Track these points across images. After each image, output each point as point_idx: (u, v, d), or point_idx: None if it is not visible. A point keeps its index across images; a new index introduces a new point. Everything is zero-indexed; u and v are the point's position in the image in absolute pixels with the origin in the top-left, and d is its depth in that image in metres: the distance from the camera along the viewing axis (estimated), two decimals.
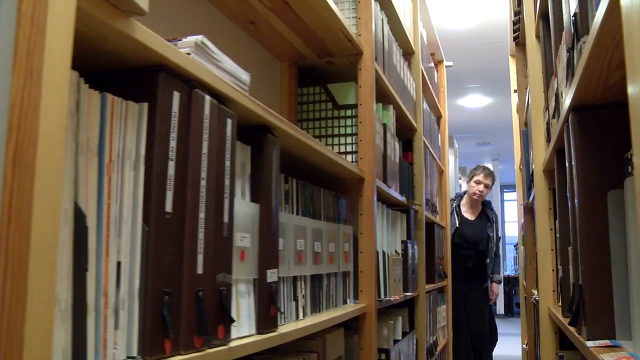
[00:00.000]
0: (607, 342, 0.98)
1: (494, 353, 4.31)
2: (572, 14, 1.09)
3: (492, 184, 4.06)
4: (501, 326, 8.55)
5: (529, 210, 2.57)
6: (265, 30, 1.58)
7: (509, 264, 12.04)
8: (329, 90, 1.76)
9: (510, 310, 10.26)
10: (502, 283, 10.61)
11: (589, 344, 0.98)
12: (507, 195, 12.57)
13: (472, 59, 5.85)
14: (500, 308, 10.06)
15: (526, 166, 2.50)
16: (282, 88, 1.79)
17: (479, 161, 11.27)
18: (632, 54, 0.59)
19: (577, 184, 1.09)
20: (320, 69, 1.84)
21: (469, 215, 4.09)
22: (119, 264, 0.71)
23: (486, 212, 4.10)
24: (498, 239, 4.17)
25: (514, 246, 10.80)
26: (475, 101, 7.45)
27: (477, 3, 4.44)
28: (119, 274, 0.71)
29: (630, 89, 0.60)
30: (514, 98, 3.60)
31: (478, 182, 4.00)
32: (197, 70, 0.83)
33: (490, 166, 11.55)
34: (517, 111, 3.20)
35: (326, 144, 1.73)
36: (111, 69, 0.77)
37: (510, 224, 12.34)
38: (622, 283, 1.00)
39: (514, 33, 2.65)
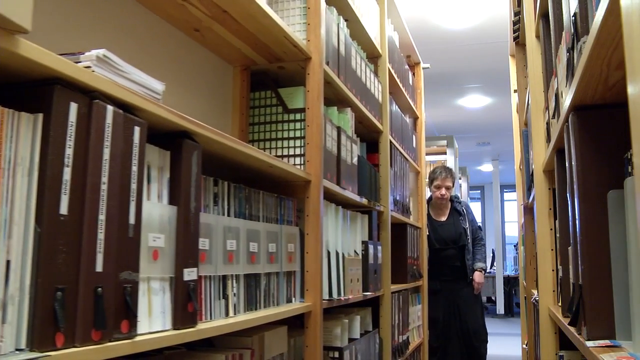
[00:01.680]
0: (607, 342, 0.98)
1: (492, 353, 4.20)
2: (572, 14, 1.09)
3: (453, 182, 4.04)
4: (501, 326, 8.56)
5: (529, 210, 2.59)
6: (211, 38, 1.63)
7: (509, 264, 12.02)
8: (279, 95, 1.81)
9: (510, 310, 10.25)
10: (503, 282, 10.61)
11: (589, 344, 0.99)
12: (507, 195, 12.57)
13: (472, 59, 5.86)
14: (500, 308, 10.04)
15: (526, 166, 2.52)
16: (234, 93, 1.85)
17: (479, 161, 11.26)
18: (632, 54, 0.59)
19: (577, 184, 1.10)
20: (272, 73, 1.89)
21: (439, 217, 4.08)
22: (8, 262, 0.76)
23: (455, 208, 4.08)
24: (476, 228, 4.10)
25: (514, 246, 10.79)
26: (475, 101, 7.46)
27: (476, 3, 4.45)
28: (7, 271, 0.76)
29: (630, 89, 0.60)
30: (514, 98, 3.60)
31: (438, 187, 3.99)
32: (97, 82, 0.88)
33: (490, 166, 11.56)
34: (517, 111, 3.22)
35: (276, 147, 1.79)
36: (9, 82, 0.83)
37: (510, 224, 12.34)
38: (622, 283, 1.00)
39: (514, 33, 2.66)
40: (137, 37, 1.44)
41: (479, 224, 4.21)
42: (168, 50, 1.56)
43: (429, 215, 4.04)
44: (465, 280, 3.98)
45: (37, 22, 1.11)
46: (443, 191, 3.97)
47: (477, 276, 3.95)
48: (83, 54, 0.91)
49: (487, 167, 11.52)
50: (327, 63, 1.89)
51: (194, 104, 1.68)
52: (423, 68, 3.88)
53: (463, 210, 4.08)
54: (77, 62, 0.89)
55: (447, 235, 3.99)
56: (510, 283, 10.31)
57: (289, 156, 1.77)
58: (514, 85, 3.46)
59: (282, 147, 1.78)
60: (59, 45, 1.19)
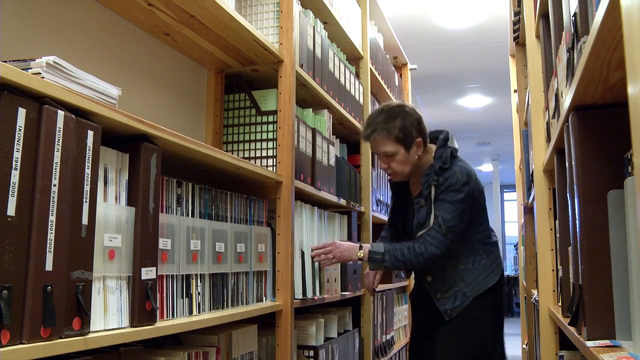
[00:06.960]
0: (607, 342, 0.99)
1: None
2: (572, 14, 1.09)
3: (401, 138, 1.83)
4: None
5: (529, 210, 2.59)
6: (182, 41, 1.66)
7: (509, 264, 12.04)
8: (252, 97, 1.84)
9: (510, 310, 10.28)
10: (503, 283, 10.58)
11: (589, 344, 0.99)
12: (507, 195, 12.56)
13: (472, 59, 5.86)
14: None
15: (526, 166, 2.53)
16: (208, 95, 1.88)
17: (479, 161, 11.22)
18: (632, 54, 0.59)
19: (577, 184, 1.10)
20: (247, 76, 1.92)
21: (414, 192, 2.01)
22: None
23: (425, 180, 1.89)
24: (437, 215, 1.83)
25: (514, 246, 10.79)
26: (475, 101, 7.46)
27: (476, 3, 4.45)
28: None
29: (630, 89, 0.60)
30: (514, 98, 3.60)
31: (379, 156, 1.93)
32: (45, 87, 0.91)
33: (490, 166, 11.52)
34: (517, 111, 3.22)
35: (249, 149, 1.82)
36: None
37: (510, 224, 12.33)
38: (622, 283, 1.00)
39: (514, 33, 2.67)
40: (109, 43, 1.47)
41: (449, 216, 1.82)
42: (141, 55, 1.59)
43: (403, 187, 2.08)
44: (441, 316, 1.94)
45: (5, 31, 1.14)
46: (383, 164, 1.92)
47: (344, 250, 1.93)
48: (34, 60, 0.94)
49: (487, 167, 11.52)
50: (302, 66, 1.92)
51: (168, 107, 1.71)
52: (410, 69, 3.91)
53: (430, 189, 1.87)
54: (27, 69, 0.92)
55: (410, 223, 1.98)
56: (510, 283, 10.32)
57: (261, 157, 1.80)
58: (514, 85, 3.47)
59: (255, 149, 1.81)
60: (28, 51, 1.23)
